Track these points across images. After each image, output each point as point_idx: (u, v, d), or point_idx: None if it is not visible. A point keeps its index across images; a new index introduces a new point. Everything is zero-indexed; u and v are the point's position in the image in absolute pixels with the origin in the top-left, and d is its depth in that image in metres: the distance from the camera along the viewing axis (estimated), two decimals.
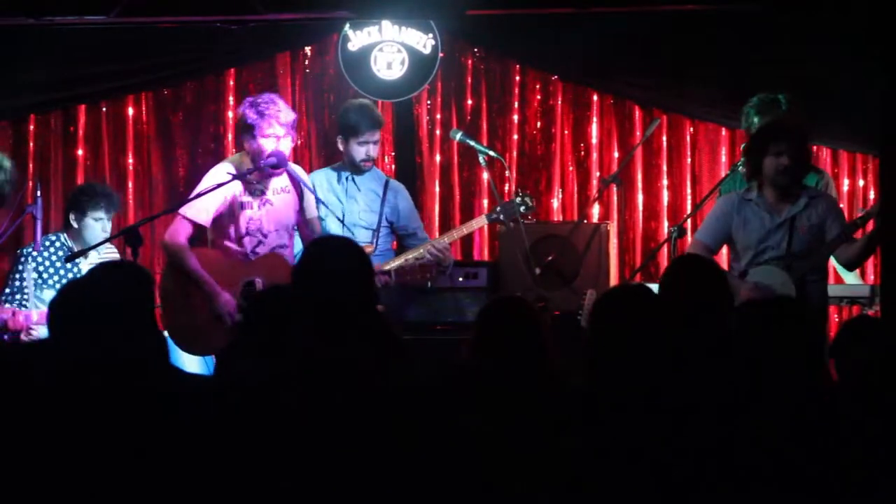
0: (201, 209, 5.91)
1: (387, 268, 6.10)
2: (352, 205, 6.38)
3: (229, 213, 5.98)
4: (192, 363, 5.92)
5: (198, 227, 5.97)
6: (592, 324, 3.71)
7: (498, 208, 6.38)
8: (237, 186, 5.95)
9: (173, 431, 3.34)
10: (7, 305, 6.16)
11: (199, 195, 5.88)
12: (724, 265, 6.31)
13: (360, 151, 6.38)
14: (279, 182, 6.02)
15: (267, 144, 5.87)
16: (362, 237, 6.23)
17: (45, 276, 6.24)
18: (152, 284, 4.23)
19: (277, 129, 5.86)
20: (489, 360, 3.72)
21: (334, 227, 6.27)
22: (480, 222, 6.55)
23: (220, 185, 5.82)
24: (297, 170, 6.16)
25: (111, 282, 3.94)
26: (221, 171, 5.94)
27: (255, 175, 5.93)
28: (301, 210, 6.07)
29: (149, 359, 3.79)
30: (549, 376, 3.70)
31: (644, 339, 3.50)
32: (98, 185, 6.61)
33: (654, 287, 5.02)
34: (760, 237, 5.65)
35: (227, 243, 5.99)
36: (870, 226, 5.62)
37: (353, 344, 3.62)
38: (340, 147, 6.45)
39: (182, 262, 5.88)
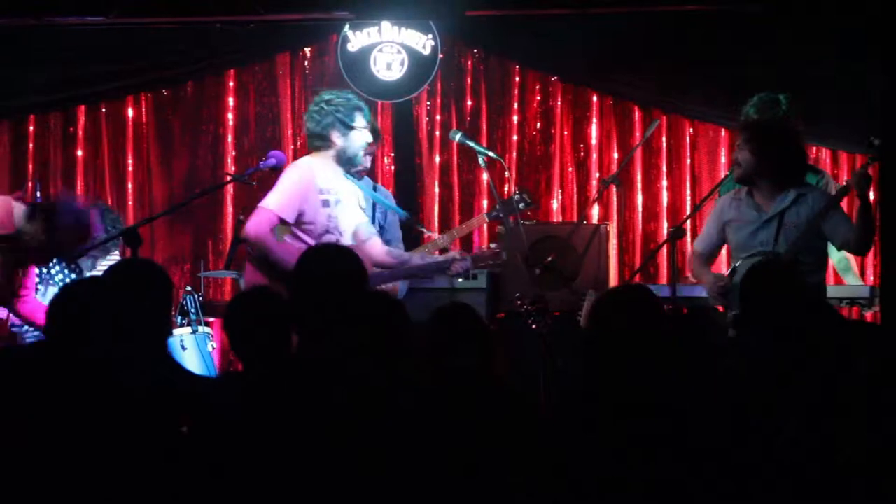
0: (288, 206, 5.63)
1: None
2: None
3: (312, 209, 5.70)
4: (193, 364, 5.93)
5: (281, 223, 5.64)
6: (591, 324, 3.71)
7: (497, 206, 6.37)
8: (321, 181, 5.70)
9: (177, 430, 3.34)
10: None
11: (283, 191, 5.62)
12: (725, 266, 6.32)
13: None
14: (350, 187, 5.88)
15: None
16: None
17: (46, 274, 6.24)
18: (173, 287, 4.25)
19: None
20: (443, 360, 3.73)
21: None
22: (480, 221, 6.53)
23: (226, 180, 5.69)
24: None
25: (135, 281, 3.95)
26: (305, 167, 5.72)
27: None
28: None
29: (160, 358, 3.80)
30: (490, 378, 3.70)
31: (643, 339, 3.51)
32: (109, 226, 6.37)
33: (654, 288, 5.04)
34: (750, 234, 5.64)
35: (307, 241, 5.69)
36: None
37: (347, 346, 3.62)
38: None
39: (270, 253, 5.55)
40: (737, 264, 5.63)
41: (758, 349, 3.81)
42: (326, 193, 5.70)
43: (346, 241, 5.73)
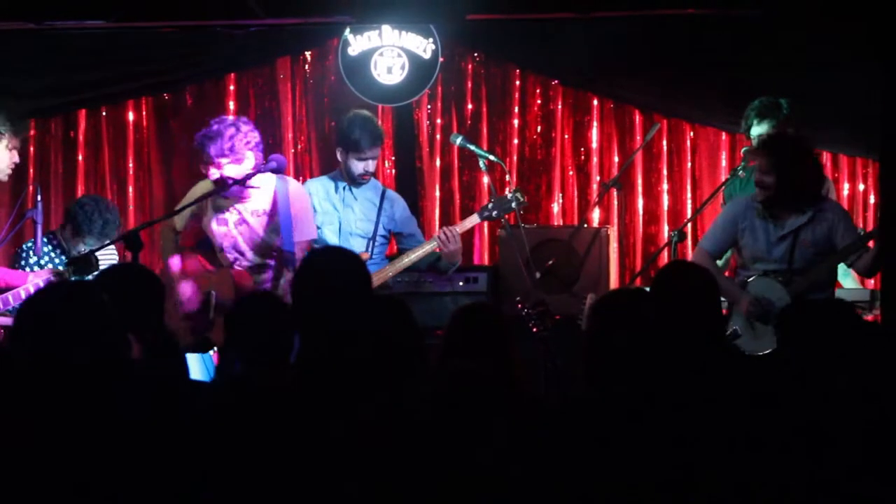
0: (177, 217, 6.12)
1: (397, 266, 6.25)
2: (348, 214, 6.39)
3: (203, 227, 6.10)
4: (193, 368, 5.92)
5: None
6: (589, 327, 3.71)
7: (490, 205, 6.34)
8: (207, 194, 5.99)
9: (177, 432, 3.34)
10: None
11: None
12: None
13: (358, 167, 6.34)
14: (257, 203, 5.98)
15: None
16: (357, 246, 6.24)
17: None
18: (164, 289, 4.25)
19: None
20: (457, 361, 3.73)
21: (331, 237, 6.30)
22: (473, 221, 6.44)
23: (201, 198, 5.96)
24: (292, 187, 6.05)
25: (123, 284, 3.94)
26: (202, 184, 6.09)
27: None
28: (281, 232, 5.96)
29: (164, 361, 3.79)
30: (509, 379, 3.70)
31: (641, 341, 3.50)
32: (101, 223, 6.45)
33: None
34: (764, 248, 5.62)
35: (209, 254, 6.08)
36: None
37: (348, 352, 3.62)
38: (339, 157, 6.42)
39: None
40: (749, 279, 5.61)
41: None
42: (224, 212, 5.99)
43: (252, 258, 5.99)
